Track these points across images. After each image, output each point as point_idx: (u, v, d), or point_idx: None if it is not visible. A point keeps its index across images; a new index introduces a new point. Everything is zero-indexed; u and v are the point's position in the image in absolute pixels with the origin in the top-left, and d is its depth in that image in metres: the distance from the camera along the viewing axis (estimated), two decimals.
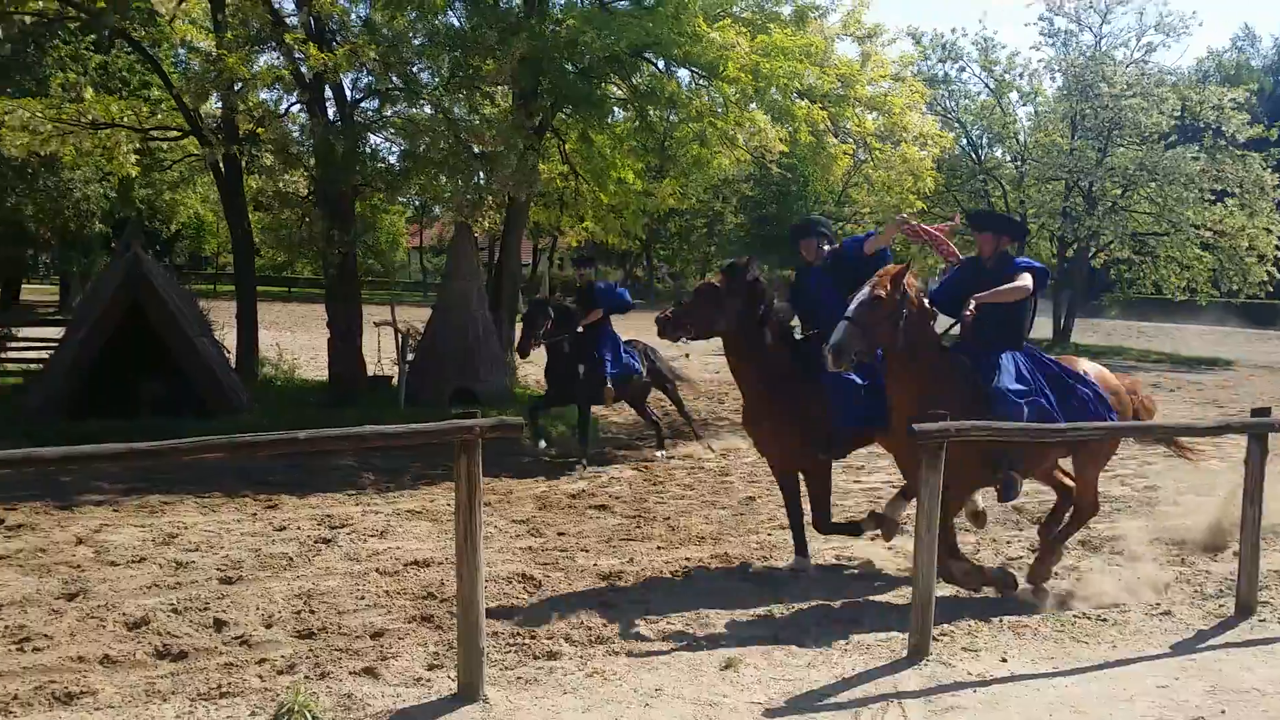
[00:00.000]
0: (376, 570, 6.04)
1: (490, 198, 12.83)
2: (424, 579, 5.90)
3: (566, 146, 14.32)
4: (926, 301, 5.75)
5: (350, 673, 4.58)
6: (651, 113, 14.25)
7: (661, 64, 13.89)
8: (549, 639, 5.07)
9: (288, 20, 12.46)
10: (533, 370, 13.05)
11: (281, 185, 12.98)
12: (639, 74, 13.67)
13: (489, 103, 13.85)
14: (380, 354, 12.96)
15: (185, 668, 4.61)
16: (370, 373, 13.06)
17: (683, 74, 14.78)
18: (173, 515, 7.34)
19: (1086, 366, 6.19)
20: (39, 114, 11.69)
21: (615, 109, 14.34)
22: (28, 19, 12.13)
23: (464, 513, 4.36)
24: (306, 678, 4.49)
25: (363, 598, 5.57)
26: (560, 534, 7.08)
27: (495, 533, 6.95)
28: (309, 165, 12.69)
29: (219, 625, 5.09)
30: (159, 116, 13.63)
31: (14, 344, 14.26)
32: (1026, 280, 5.69)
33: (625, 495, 8.48)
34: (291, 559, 6.24)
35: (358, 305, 12.65)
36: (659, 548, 6.81)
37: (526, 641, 5.01)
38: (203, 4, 12.64)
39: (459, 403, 10.79)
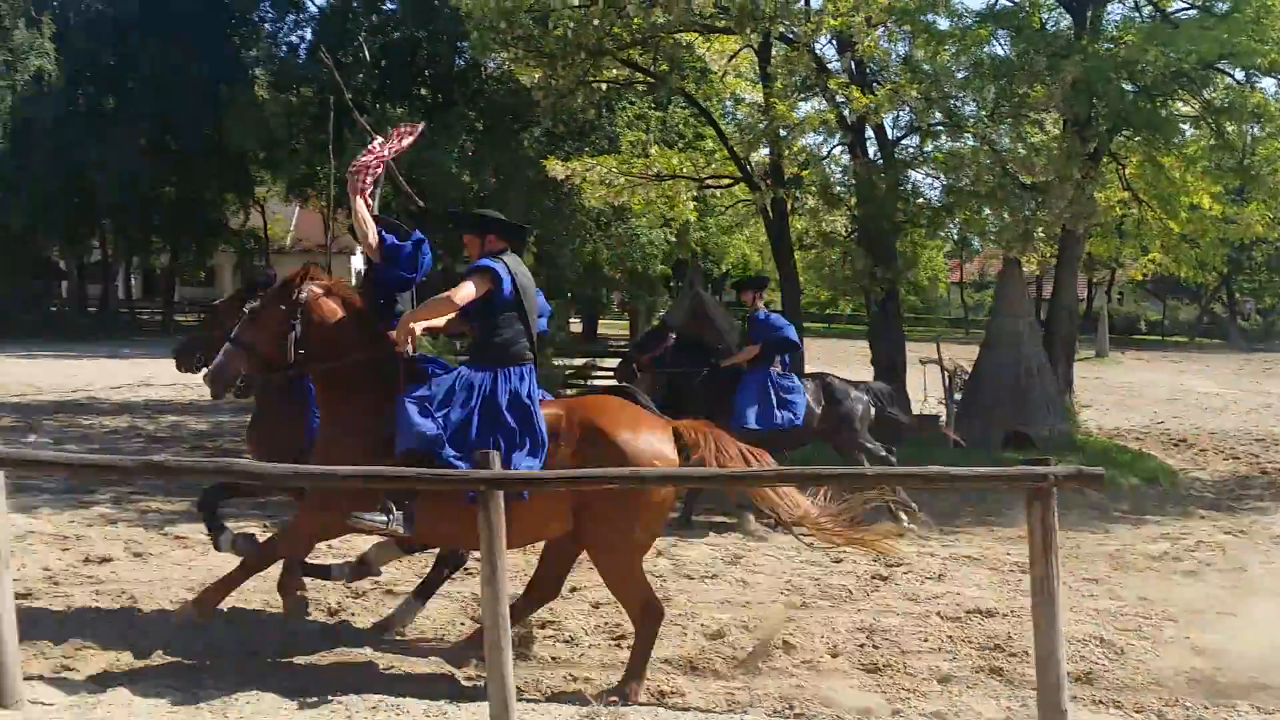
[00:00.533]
0: (937, 614, 5.83)
1: (1041, 230, 12.19)
2: (989, 629, 5.57)
3: (1127, 172, 13.14)
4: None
5: (920, 715, 4.45)
6: (1230, 129, 12.66)
7: (1240, 74, 12.36)
8: (1138, 713, 4.52)
9: (830, 66, 12.95)
10: (1095, 415, 12.10)
11: (824, 225, 13.43)
12: (1211, 87, 12.26)
13: (1037, 130, 13.20)
14: (925, 392, 12.85)
15: (759, 684, 4.78)
16: (915, 410, 12.98)
17: (1267, 83, 12.93)
18: (735, 537, 7.79)
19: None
20: (613, 169, 13.32)
21: (1184, 127, 12.95)
22: (604, 86, 13.91)
23: (1039, 563, 4.09)
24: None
25: (926, 639, 5.41)
26: (1141, 599, 6.30)
27: (1064, 589, 6.37)
28: (850, 205, 13.02)
29: (787, 647, 5.22)
30: (713, 166, 14.88)
31: (596, 373, 16.32)
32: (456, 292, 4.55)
33: (1217, 561, 7.37)
34: (851, 592, 6.28)
35: (901, 342, 12.69)
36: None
37: (1112, 713, 4.51)
38: (750, 58, 13.62)
39: (1015, 447, 10.26)
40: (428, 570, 5.71)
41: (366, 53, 27.74)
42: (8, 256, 33.74)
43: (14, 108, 28.90)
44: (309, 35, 34.70)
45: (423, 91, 31.25)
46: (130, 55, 32.17)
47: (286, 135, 29.24)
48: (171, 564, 6.72)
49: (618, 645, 5.25)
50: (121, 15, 31.84)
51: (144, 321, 39.25)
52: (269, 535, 6.01)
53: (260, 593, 5.72)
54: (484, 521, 4.03)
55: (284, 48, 35.26)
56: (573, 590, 5.87)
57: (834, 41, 12.83)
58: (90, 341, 29.87)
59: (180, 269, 42.09)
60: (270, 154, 32.10)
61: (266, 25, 35.62)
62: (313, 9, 34.66)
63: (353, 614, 5.75)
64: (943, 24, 12.72)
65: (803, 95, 13.53)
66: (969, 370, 12.26)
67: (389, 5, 31.81)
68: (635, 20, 11.78)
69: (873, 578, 6.60)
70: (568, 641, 5.34)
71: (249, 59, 34.19)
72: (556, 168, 13.21)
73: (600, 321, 39.26)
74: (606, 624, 5.58)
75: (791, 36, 12.13)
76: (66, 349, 26.65)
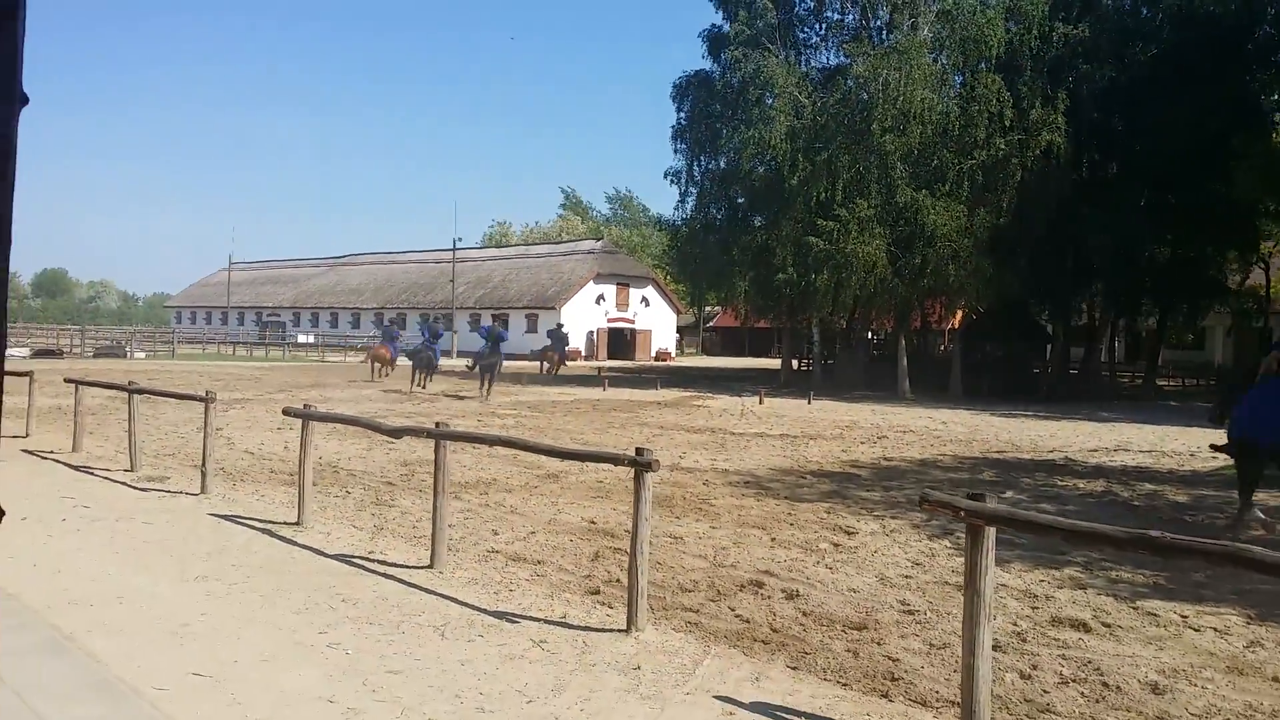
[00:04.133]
0: None
1: None
2: None
3: None
4: None
5: None
6: None
7: None
8: None
9: None
10: None
11: None
12: None
13: None
14: None
15: None
16: None
17: None
18: None
19: None
20: None
21: None
22: None
23: None
24: None
25: None
26: None
27: None
28: None
29: None
30: None
31: None
32: None
33: None
34: None
35: None
36: None
37: None
38: None
39: None
40: None
41: None
42: (1003, 321, 36.70)
43: (1022, 182, 31.19)
44: None
45: None
46: (1137, 118, 32.20)
47: None
48: (1141, 641, 6.05)
49: None
50: (1134, 80, 32.06)
51: (1124, 385, 38.80)
52: None
53: None
54: None
55: None
56: None
57: None
58: (1070, 403, 30.58)
59: (1169, 331, 40.63)
60: None
61: None
62: None
63: None
64: None
65: None
66: None
67: None
68: None
69: None
70: None
71: (1269, 104, 31.35)
72: None
73: None
74: None
75: None
76: (1047, 410, 27.66)
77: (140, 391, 12.56)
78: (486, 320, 63.46)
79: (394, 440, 13.60)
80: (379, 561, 7.84)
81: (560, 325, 41.91)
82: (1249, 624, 6.50)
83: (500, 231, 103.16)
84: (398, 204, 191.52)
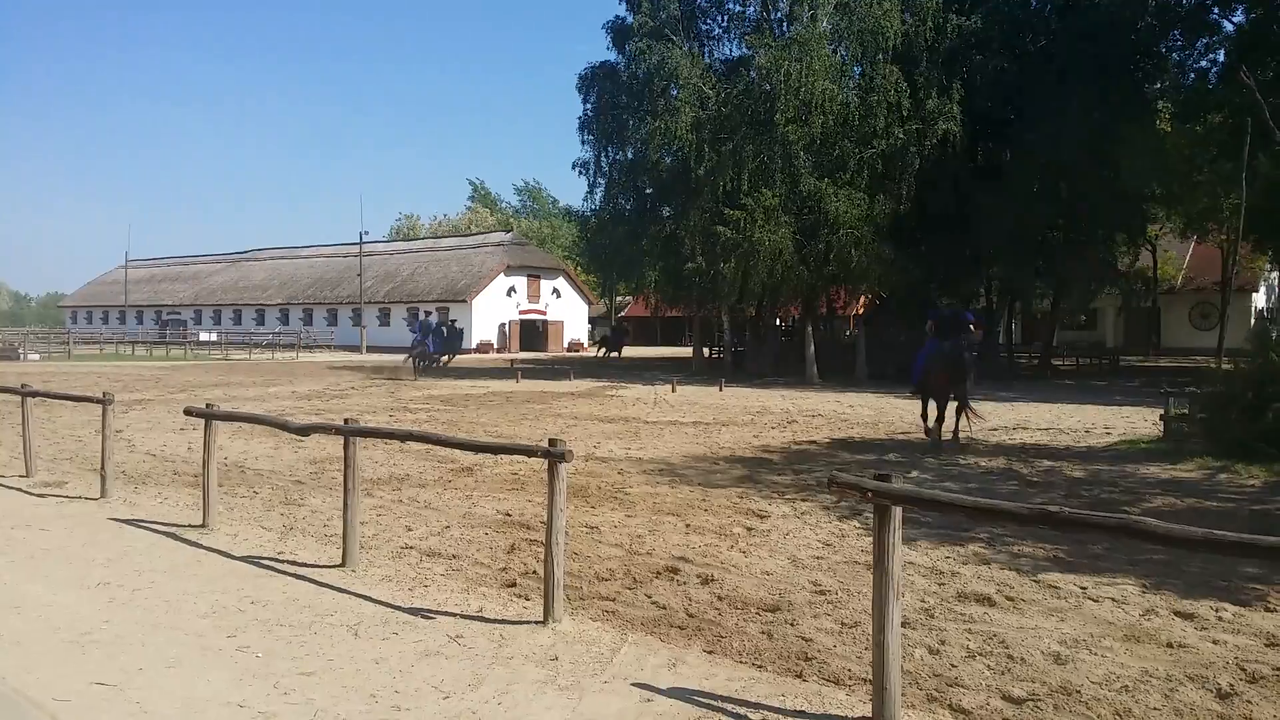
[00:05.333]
0: None
1: None
2: None
3: None
4: None
5: None
6: None
7: None
8: None
9: None
10: None
11: None
12: None
13: None
14: None
15: None
16: None
17: None
18: None
19: None
20: None
21: None
22: None
23: None
24: None
25: None
26: None
27: None
28: None
29: None
30: None
31: None
32: None
33: None
34: None
35: None
36: None
37: None
38: None
39: None
40: None
41: None
42: (906, 306, 37.71)
43: (920, 170, 32.01)
44: (1220, 57, 32.03)
45: None
46: (1028, 107, 33.32)
47: (1188, 168, 27.22)
48: (1043, 613, 6.30)
49: None
50: (1025, 70, 33.12)
51: (1021, 365, 40.17)
52: None
53: None
54: None
55: (1191, 75, 33.05)
56: None
57: None
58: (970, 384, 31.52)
59: (1062, 313, 42.18)
60: (1168, 189, 30.29)
61: (1174, 55, 33.75)
62: (1228, 27, 31.85)
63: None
64: None
65: None
66: None
67: None
68: None
69: None
70: None
71: (1153, 93, 32.74)
72: None
73: None
74: None
75: None
76: None
77: (34, 394, 12.07)
78: (402, 313, 62.64)
79: (302, 438, 13.31)
80: (289, 562, 7.68)
81: (429, 316, 39.90)
82: (1144, 593, 6.81)
83: (408, 224, 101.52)
84: (301, 198, 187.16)
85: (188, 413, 9.58)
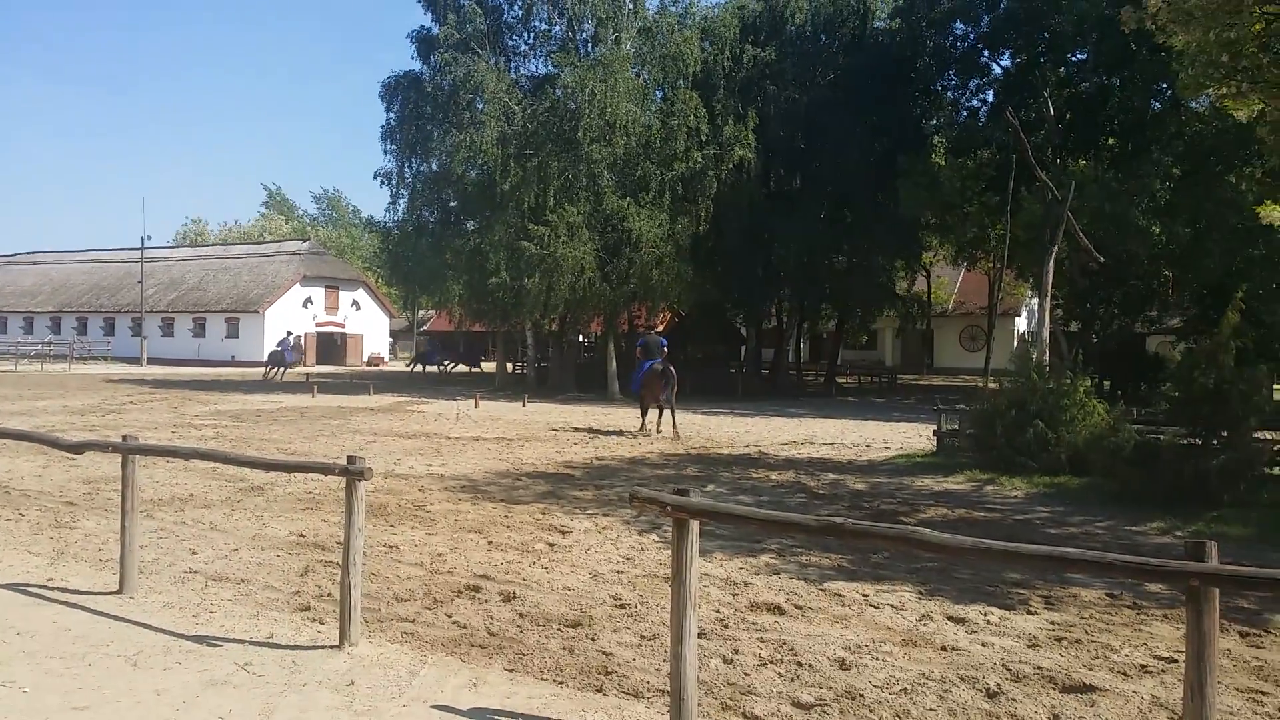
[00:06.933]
0: None
1: None
2: None
3: None
4: None
5: None
6: None
7: None
8: None
9: None
10: None
11: None
12: None
13: None
14: None
15: None
16: None
17: None
18: None
19: None
20: None
21: None
22: None
23: None
24: None
25: None
26: None
27: None
28: None
29: None
30: None
31: None
32: None
33: None
34: None
35: None
36: None
37: None
38: None
39: None
40: None
41: (1050, 108, 26.79)
42: (704, 324, 38.94)
43: (717, 193, 33.23)
44: (990, 97, 34.85)
45: (1110, 141, 29.44)
46: (817, 137, 35.17)
47: (960, 199, 29.49)
48: (829, 620, 6.67)
49: None
50: (814, 101, 34.96)
51: (809, 383, 42.22)
52: None
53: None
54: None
55: (964, 113, 35.80)
56: None
57: None
58: (762, 400, 32.88)
59: (846, 333, 44.62)
60: (942, 219, 32.70)
61: (949, 93, 36.48)
62: (996, 70, 34.76)
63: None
64: None
65: None
66: None
67: (1077, 56, 30.68)
68: None
69: None
70: None
71: (929, 128, 35.26)
72: (1275, 213, 11.02)
73: None
74: None
75: None
76: (742, 407, 29.59)
77: None
78: (188, 323, 58.87)
79: (75, 456, 12.35)
80: (60, 589, 7.12)
81: (288, 334, 47.89)
82: (920, 599, 7.32)
83: (195, 230, 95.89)
84: (76, 199, 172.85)
85: None
